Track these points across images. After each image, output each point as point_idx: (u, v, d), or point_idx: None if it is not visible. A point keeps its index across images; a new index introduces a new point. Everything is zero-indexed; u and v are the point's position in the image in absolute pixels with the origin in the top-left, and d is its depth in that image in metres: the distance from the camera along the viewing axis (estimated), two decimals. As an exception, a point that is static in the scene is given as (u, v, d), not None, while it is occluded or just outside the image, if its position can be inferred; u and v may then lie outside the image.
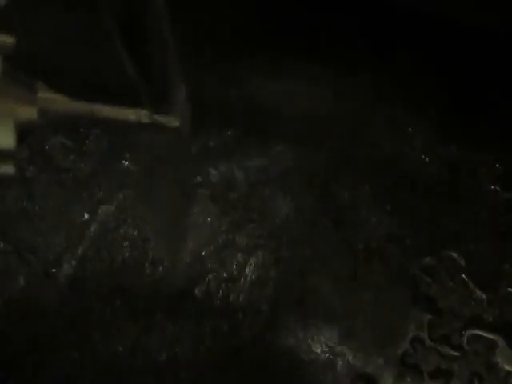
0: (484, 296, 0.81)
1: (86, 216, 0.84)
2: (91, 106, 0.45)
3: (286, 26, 0.98)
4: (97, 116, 0.45)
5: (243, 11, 0.97)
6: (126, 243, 0.82)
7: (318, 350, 0.78)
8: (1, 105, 0.38)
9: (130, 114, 0.47)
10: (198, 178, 0.87)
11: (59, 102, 0.43)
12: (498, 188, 0.88)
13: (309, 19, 0.98)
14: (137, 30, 0.42)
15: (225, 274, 0.81)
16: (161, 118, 0.47)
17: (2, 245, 0.82)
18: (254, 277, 0.82)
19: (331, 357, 0.78)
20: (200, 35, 0.94)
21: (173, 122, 0.48)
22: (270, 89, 0.95)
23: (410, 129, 0.92)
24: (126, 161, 0.87)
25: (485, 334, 0.79)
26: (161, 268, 0.81)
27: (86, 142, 0.88)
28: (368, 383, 0.77)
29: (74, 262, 0.81)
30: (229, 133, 0.90)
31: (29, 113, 0.40)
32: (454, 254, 0.84)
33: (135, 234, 0.83)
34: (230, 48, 0.95)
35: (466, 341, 0.79)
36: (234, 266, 0.82)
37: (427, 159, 0.90)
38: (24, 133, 0.41)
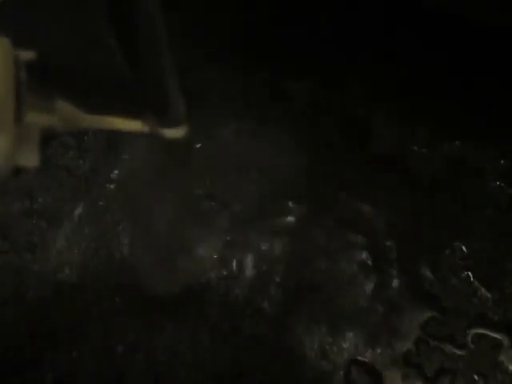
0: (489, 294, 0.80)
1: (85, 214, 0.84)
2: (101, 118, 0.47)
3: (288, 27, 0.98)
4: (106, 127, 0.47)
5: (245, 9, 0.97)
6: (125, 240, 0.82)
7: (320, 348, 0.78)
8: (27, 116, 0.41)
9: (136, 126, 0.48)
10: (198, 176, 0.87)
11: (73, 112, 0.45)
12: (502, 184, 0.87)
13: (308, 21, 0.98)
14: (130, 29, 0.42)
15: (224, 272, 0.81)
16: (164, 131, 0.48)
17: (0, 243, 0.82)
18: (254, 275, 0.81)
19: (333, 355, 0.77)
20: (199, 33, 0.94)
21: (175, 134, 0.49)
22: (271, 86, 0.95)
23: (414, 125, 0.92)
24: (125, 157, 0.86)
25: (490, 333, 0.78)
26: (159, 266, 0.81)
27: (85, 138, 0.88)
28: (373, 382, 0.76)
29: (72, 261, 0.81)
30: (228, 128, 0.90)
31: (49, 120, 0.43)
32: (458, 252, 0.83)
33: (134, 231, 0.83)
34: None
35: (470, 340, 0.78)
36: (234, 264, 0.81)
37: (431, 156, 0.89)
38: (46, 139, 0.43)
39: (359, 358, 0.77)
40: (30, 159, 0.43)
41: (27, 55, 0.42)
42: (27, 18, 0.90)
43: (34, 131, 0.43)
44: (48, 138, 0.86)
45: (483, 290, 0.81)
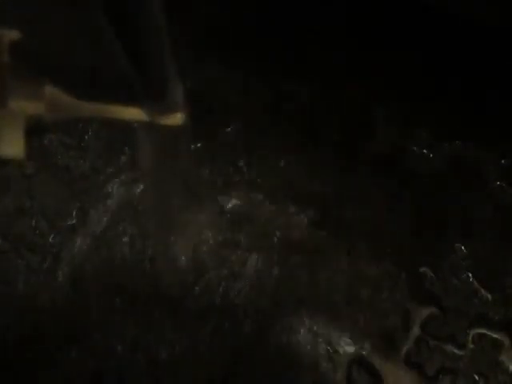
0: (489, 294, 0.80)
1: (85, 213, 0.84)
2: (95, 105, 0.45)
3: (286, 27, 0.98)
4: (100, 115, 0.46)
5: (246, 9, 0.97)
6: (126, 240, 0.82)
7: (320, 347, 0.77)
8: (11, 102, 0.39)
9: (132, 114, 0.47)
10: (199, 175, 0.87)
11: (64, 99, 0.43)
12: (503, 184, 0.87)
13: (311, 20, 0.98)
14: (132, 27, 0.41)
15: (225, 272, 0.81)
16: (162, 118, 0.47)
17: (0, 243, 0.82)
18: (254, 275, 0.81)
19: (333, 354, 0.77)
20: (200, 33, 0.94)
21: (173, 121, 0.48)
22: (273, 87, 0.95)
23: (414, 125, 0.92)
24: (125, 156, 0.86)
25: (490, 333, 0.78)
26: (160, 265, 0.81)
27: (85, 137, 0.88)
28: (374, 382, 0.76)
29: (73, 260, 0.81)
30: (229, 129, 0.90)
31: (37, 108, 0.41)
32: (459, 252, 0.83)
33: (134, 230, 0.82)
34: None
35: (471, 340, 0.78)
36: (234, 264, 0.81)
37: (431, 155, 0.89)
38: (33, 127, 0.42)
39: (359, 357, 0.77)
40: (15, 149, 0.40)
41: (11, 35, 0.40)
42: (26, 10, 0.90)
43: (19, 119, 0.40)
44: (41, 131, 0.86)
45: (483, 289, 0.81)
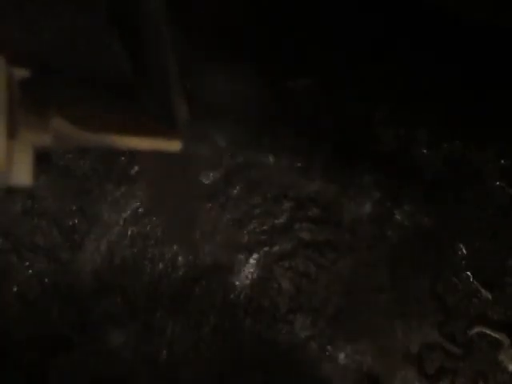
0: (489, 294, 0.80)
1: (86, 214, 0.84)
2: (101, 136, 0.45)
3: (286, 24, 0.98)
4: (106, 145, 0.46)
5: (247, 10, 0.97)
6: (126, 241, 0.82)
7: (320, 348, 0.78)
8: (19, 134, 0.39)
9: (139, 143, 0.47)
10: (198, 176, 0.87)
11: (71, 130, 0.44)
12: (503, 184, 0.87)
13: (315, 18, 0.98)
14: (133, 30, 0.41)
15: (224, 272, 0.81)
16: (166, 145, 0.47)
17: (1, 243, 0.82)
18: (255, 274, 0.81)
19: (334, 355, 0.77)
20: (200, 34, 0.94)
21: (176, 146, 0.48)
22: (271, 86, 0.95)
23: (414, 125, 0.92)
24: (124, 157, 0.86)
25: (490, 333, 0.78)
26: (160, 265, 0.81)
27: (86, 138, 0.88)
28: (372, 382, 0.76)
29: (73, 260, 0.81)
30: (228, 128, 0.90)
31: (44, 140, 0.42)
32: (459, 252, 0.83)
33: (134, 231, 0.83)
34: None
35: (470, 339, 0.78)
36: (234, 264, 0.81)
37: (431, 156, 0.89)
38: (40, 156, 0.42)
39: (359, 357, 0.77)
40: (23, 178, 0.41)
41: (21, 72, 0.41)
42: (27, 19, 0.90)
43: (27, 150, 0.41)
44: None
45: (483, 289, 0.81)
